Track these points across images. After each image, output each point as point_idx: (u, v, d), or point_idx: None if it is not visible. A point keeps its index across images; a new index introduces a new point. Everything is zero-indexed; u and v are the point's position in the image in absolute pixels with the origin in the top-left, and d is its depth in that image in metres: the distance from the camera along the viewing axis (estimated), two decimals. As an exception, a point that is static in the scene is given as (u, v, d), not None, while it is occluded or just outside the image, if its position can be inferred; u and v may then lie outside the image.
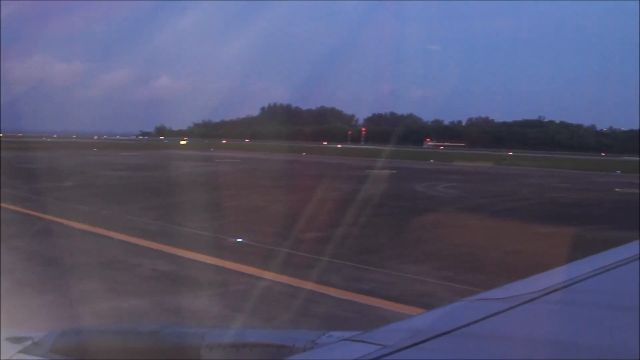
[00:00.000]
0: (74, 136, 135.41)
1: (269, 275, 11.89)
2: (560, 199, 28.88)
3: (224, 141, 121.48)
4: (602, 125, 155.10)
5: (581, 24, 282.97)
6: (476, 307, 2.10)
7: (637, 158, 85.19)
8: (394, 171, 46.04)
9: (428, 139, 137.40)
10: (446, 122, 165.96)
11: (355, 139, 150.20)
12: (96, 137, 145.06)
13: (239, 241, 15.45)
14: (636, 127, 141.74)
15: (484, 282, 11.79)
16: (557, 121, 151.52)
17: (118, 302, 10.09)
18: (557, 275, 2.48)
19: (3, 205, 20.33)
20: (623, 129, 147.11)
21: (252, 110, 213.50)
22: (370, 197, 25.74)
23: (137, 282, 11.47)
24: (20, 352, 2.66)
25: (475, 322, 1.88)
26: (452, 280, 12.08)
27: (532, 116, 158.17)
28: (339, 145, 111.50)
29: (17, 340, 2.74)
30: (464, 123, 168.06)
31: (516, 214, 22.38)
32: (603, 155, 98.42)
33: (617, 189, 35.46)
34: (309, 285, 11.20)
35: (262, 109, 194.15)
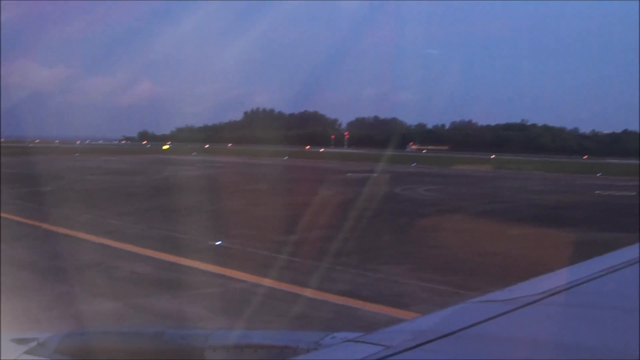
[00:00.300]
0: (56, 141, 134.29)
1: (246, 277, 12.02)
2: (538, 202, 28.90)
3: (207, 146, 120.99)
4: (585, 129, 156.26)
5: (563, 27, 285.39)
6: (479, 309, 2.11)
7: (618, 161, 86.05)
8: (375, 174, 45.95)
9: (411, 143, 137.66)
10: (430, 126, 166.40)
11: (339, 143, 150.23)
12: (79, 142, 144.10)
13: (217, 244, 15.50)
14: (618, 130, 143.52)
15: (453, 282, 12.02)
16: (540, 124, 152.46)
17: (93, 305, 10.05)
18: (558, 278, 2.53)
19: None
20: (605, 131, 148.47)
21: (236, 114, 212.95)
22: (348, 200, 25.70)
23: (114, 284, 11.47)
24: (25, 353, 2.70)
25: (478, 323, 1.89)
26: (424, 280, 12.14)
27: (516, 119, 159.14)
28: (322, 150, 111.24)
29: (22, 341, 2.78)
30: (447, 127, 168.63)
31: (493, 216, 22.41)
32: (585, 158, 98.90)
33: (597, 191, 35.43)
34: (283, 286, 11.32)
35: (245, 113, 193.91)
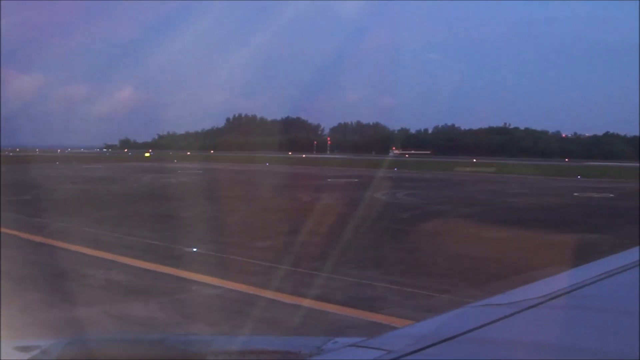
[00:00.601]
0: (37, 150, 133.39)
1: (220, 282, 12.06)
2: (515, 204, 28.99)
3: (188, 153, 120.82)
4: (567, 131, 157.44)
5: (544, 32, 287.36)
6: (480, 313, 2.12)
7: (599, 163, 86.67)
8: (356, 179, 45.93)
9: (394, 147, 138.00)
10: (413, 131, 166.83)
11: (322, 149, 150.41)
12: (59, 150, 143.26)
13: (194, 250, 15.59)
14: (600, 133, 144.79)
15: (422, 284, 12.04)
16: (522, 128, 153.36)
17: (64, 312, 10.02)
18: (560, 281, 2.53)
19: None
20: (587, 134, 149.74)
21: (218, 121, 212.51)
22: (325, 205, 25.66)
23: (87, 292, 11.42)
24: None
25: (480, 327, 1.91)
26: (397, 283, 12.11)
27: (498, 123, 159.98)
28: (304, 155, 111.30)
29: (25, 349, 2.77)
30: (430, 131, 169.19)
31: (470, 219, 22.46)
32: (567, 161, 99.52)
33: (575, 194, 35.54)
34: (258, 292, 11.33)
35: (228, 119, 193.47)
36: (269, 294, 11.18)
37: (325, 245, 15.79)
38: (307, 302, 10.64)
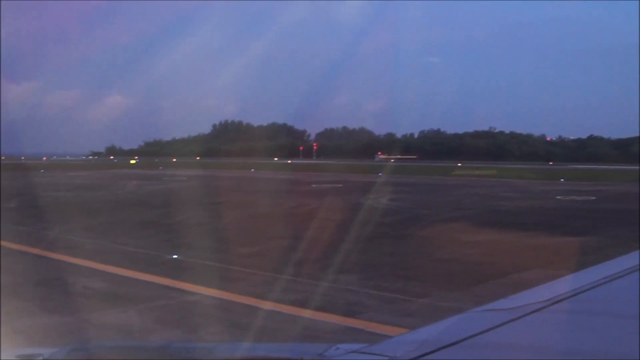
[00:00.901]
0: (22, 157, 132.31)
1: (200, 289, 12.03)
2: (497, 208, 29.11)
3: (174, 159, 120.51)
4: (552, 135, 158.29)
5: (528, 35, 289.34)
6: (482, 318, 2.16)
7: (583, 166, 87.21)
8: (340, 185, 45.93)
9: (380, 152, 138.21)
10: (399, 135, 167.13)
11: (308, 154, 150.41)
12: (45, 158, 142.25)
13: (174, 257, 15.61)
14: (584, 136, 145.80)
15: (399, 288, 12.07)
16: (507, 131, 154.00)
17: (43, 319, 9.99)
18: (561, 286, 2.57)
19: None
20: (572, 137, 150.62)
21: (204, 127, 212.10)
22: (308, 211, 25.67)
23: (67, 300, 11.37)
24: None
25: (482, 332, 1.93)
26: (373, 287, 12.16)
27: (484, 127, 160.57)
28: (289, 161, 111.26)
29: (28, 357, 2.78)
30: (416, 136, 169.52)
31: (452, 223, 22.57)
32: (551, 164, 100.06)
33: (558, 197, 35.73)
34: (237, 298, 11.34)
35: (214, 126, 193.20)
36: (246, 300, 11.19)
37: (304, 250, 15.80)
38: (285, 308, 10.63)
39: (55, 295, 11.81)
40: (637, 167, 60.77)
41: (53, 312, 10.49)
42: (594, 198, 34.75)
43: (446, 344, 1.81)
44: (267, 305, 10.81)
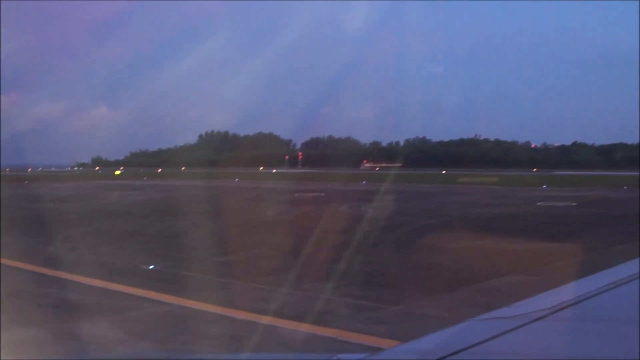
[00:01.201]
0: (7, 169, 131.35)
1: (173, 300, 12.03)
2: (478, 215, 29.32)
3: (159, 170, 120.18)
4: (537, 142, 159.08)
5: (511, 43, 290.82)
6: (484, 326, 2.16)
7: (567, 172, 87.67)
8: (322, 194, 45.93)
9: (365, 161, 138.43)
10: (384, 144, 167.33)
11: (294, 163, 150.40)
12: (30, 169, 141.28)
13: (150, 268, 15.66)
14: (568, 143, 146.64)
15: (370, 296, 12.02)
16: (492, 139, 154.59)
17: (13, 331, 9.91)
18: (563, 294, 2.59)
19: None
20: (556, 144, 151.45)
21: (190, 137, 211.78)
22: (289, 220, 25.70)
23: (39, 311, 11.39)
24: None
25: (484, 341, 1.92)
26: (344, 295, 12.18)
27: (469, 135, 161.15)
28: (274, 170, 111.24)
29: None
30: (402, 144, 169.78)
31: (432, 230, 22.71)
32: (535, 171, 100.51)
33: (538, 203, 35.89)
34: (209, 308, 11.33)
35: (200, 136, 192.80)
36: (218, 309, 11.19)
37: (280, 258, 15.81)
38: (254, 317, 10.63)
39: (25, 307, 11.74)
40: (619, 173, 61.32)
41: (23, 324, 10.43)
42: (574, 204, 34.93)
43: (450, 352, 1.78)
44: (241, 314, 10.82)
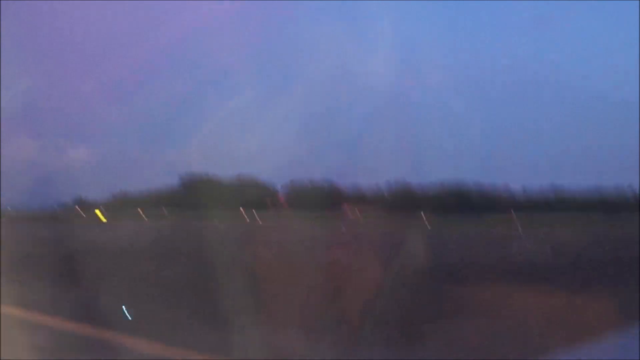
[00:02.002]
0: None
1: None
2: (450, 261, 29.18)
3: (140, 211, 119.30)
4: (515, 185, 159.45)
5: (489, 80, 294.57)
6: None
7: (545, 214, 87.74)
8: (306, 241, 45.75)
9: (345, 205, 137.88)
10: (364, 187, 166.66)
11: (276, 206, 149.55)
12: (10, 208, 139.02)
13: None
14: (547, 185, 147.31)
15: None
16: (472, 182, 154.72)
17: None
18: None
19: None
20: (534, 187, 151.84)
21: (171, 179, 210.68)
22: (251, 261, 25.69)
23: None
24: None
25: None
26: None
27: (448, 175, 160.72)
28: (255, 212, 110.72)
29: None
30: (382, 186, 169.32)
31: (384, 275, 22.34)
32: (510, 215, 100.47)
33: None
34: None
35: (181, 177, 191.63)
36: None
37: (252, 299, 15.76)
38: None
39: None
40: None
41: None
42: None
43: None
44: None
